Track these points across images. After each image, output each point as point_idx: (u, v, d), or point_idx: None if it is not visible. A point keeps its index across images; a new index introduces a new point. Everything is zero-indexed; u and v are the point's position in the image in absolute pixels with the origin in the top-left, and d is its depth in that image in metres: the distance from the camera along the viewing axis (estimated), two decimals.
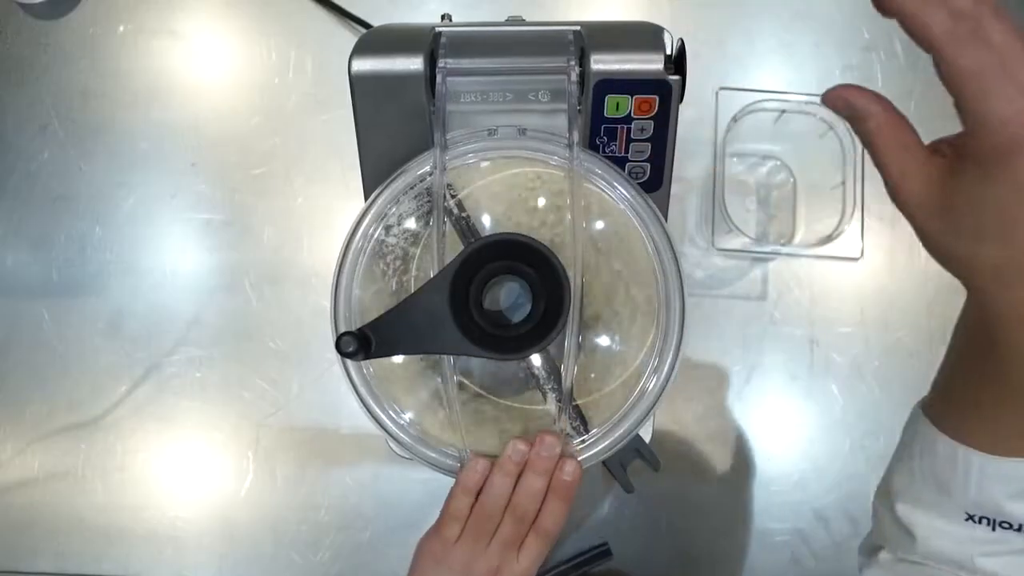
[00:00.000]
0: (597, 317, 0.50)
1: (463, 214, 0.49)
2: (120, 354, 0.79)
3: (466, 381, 0.50)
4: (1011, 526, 0.38)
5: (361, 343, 0.42)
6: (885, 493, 0.45)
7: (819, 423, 0.77)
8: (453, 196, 0.49)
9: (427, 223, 0.51)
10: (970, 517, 0.40)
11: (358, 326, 0.44)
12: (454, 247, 0.48)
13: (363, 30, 0.80)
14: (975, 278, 0.36)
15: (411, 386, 0.51)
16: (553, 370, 0.50)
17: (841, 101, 0.37)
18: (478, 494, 0.50)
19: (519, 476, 0.49)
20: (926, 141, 0.36)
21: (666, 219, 0.50)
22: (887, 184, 0.37)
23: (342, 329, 0.48)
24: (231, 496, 0.77)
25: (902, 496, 0.43)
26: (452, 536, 0.51)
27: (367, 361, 0.49)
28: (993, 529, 0.39)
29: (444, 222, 0.47)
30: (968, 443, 0.39)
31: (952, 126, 0.34)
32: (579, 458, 0.49)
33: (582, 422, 0.50)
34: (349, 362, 0.49)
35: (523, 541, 0.51)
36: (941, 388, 0.42)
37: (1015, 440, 0.38)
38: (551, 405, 0.50)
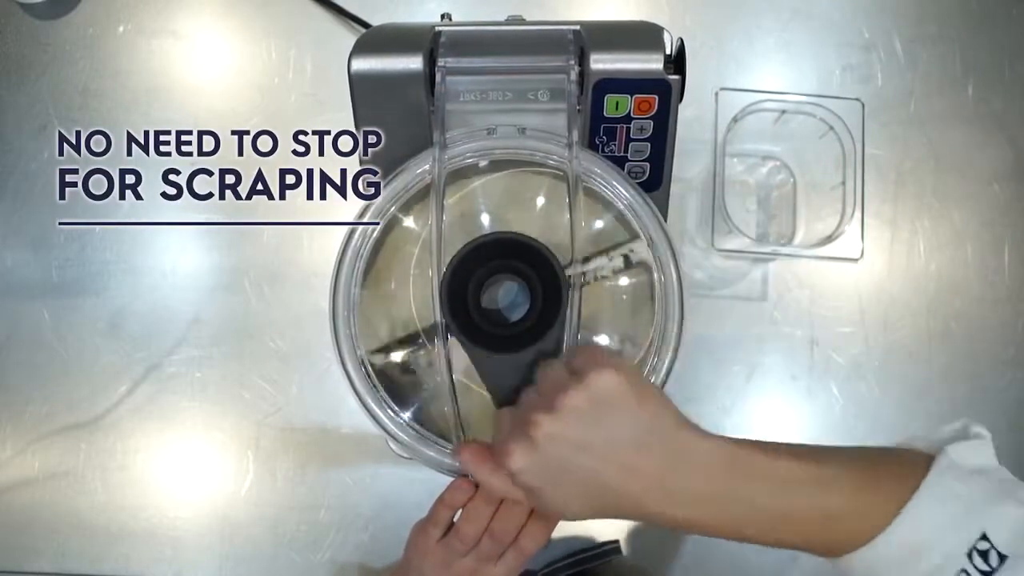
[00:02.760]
0: (596, 316, 0.50)
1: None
2: (120, 354, 0.79)
3: (465, 380, 0.50)
4: None
5: None
6: None
7: (819, 423, 0.77)
8: (465, 182, 0.49)
9: (426, 222, 0.51)
10: None
11: (357, 325, 0.44)
12: (453, 246, 0.48)
13: (363, 30, 0.80)
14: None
15: (411, 384, 0.51)
16: None
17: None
18: None
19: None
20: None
21: (666, 219, 0.50)
22: None
23: (341, 329, 0.48)
24: (231, 496, 0.77)
25: None
26: (435, 536, 0.51)
27: (366, 361, 0.49)
28: None
29: (443, 221, 0.47)
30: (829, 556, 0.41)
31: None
32: None
33: None
34: (348, 362, 0.49)
35: (502, 555, 0.51)
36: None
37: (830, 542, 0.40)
38: None
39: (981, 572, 0.37)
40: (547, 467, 0.40)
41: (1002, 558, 0.37)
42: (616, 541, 0.75)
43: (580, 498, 0.41)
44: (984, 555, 0.37)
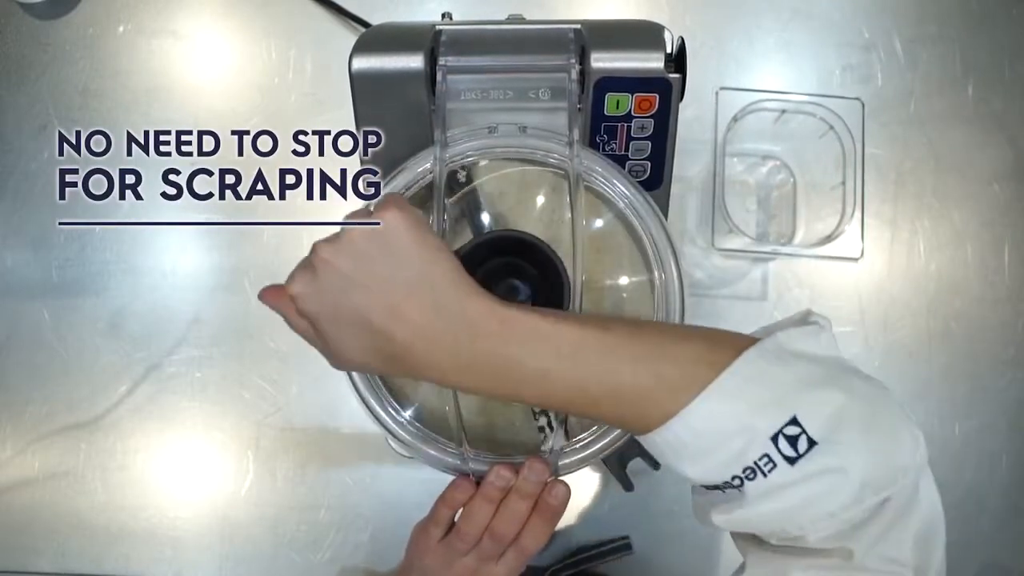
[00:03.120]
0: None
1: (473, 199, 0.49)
2: (120, 354, 0.78)
3: None
4: (719, 487, 0.38)
5: None
6: None
7: None
8: (465, 181, 0.49)
9: (427, 220, 0.51)
10: (695, 489, 0.41)
11: None
12: (454, 246, 0.48)
13: (363, 29, 0.80)
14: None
15: (411, 383, 0.51)
16: None
17: None
18: None
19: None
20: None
21: (666, 218, 0.50)
22: None
23: None
24: (231, 496, 0.77)
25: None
26: (436, 535, 0.51)
27: None
28: (723, 491, 0.39)
29: (444, 220, 0.47)
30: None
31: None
32: (577, 457, 0.49)
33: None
34: None
35: (503, 553, 0.51)
36: None
37: (629, 418, 0.39)
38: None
39: (786, 457, 0.35)
40: (323, 298, 0.40)
41: (812, 444, 0.35)
42: (627, 537, 0.75)
43: (357, 340, 0.40)
44: (792, 440, 0.35)
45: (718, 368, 0.37)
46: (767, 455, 0.36)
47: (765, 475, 0.36)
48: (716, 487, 0.39)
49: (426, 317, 0.39)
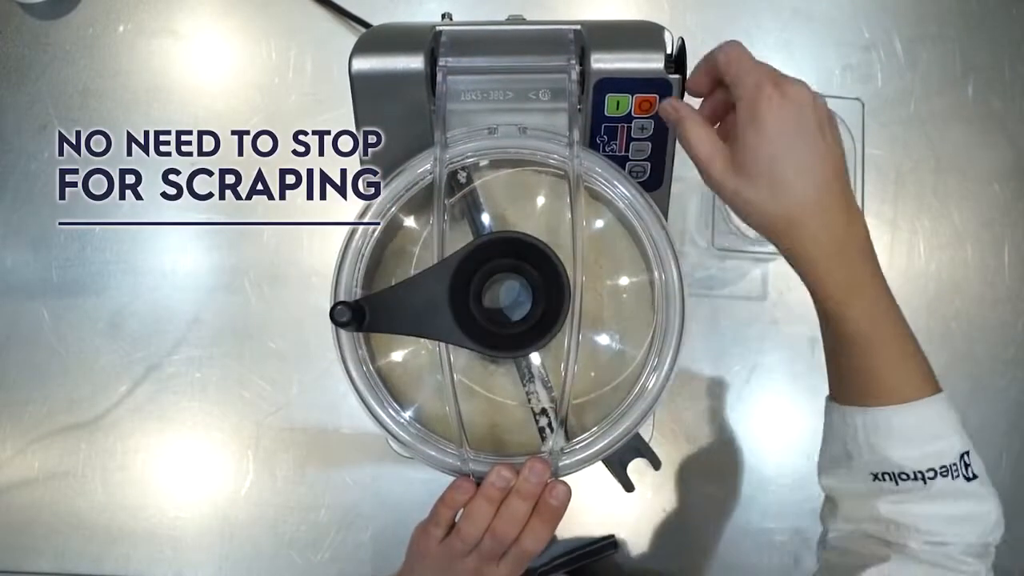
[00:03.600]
0: (597, 316, 0.50)
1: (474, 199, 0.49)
2: (120, 354, 0.79)
3: (465, 380, 0.50)
4: (909, 476, 0.45)
5: (355, 314, 0.42)
6: (818, 473, 0.52)
7: (819, 423, 0.77)
8: (465, 181, 0.49)
9: (427, 220, 0.51)
10: (875, 476, 0.46)
11: None
12: (454, 247, 0.48)
13: (363, 30, 0.80)
14: (770, 229, 0.46)
15: (412, 384, 0.51)
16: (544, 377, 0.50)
17: (668, 109, 0.48)
18: None
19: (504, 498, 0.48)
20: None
21: (666, 218, 0.50)
22: (699, 167, 0.47)
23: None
24: (231, 496, 0.77)
25: (824, 470, 0.51)
26: (437, 537, 0.51)
27: (367, 360, 0.49)
28: (896, 483, 0.45)
29: (445, 220, 0.47)
30: (846, 403, 0.48)
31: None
32: (577, 457, 0.49)
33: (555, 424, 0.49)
34: (349, 361, 0.49)
35: (504, 554, 0.51)
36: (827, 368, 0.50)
37: (872, 386, 0.46)
38: (542, 405, 0.50)
39: (965, 478, 0.44)
40: (787, 125, 0.44)
41: (976, 476, 0.45)
42: (612, 536, 0.75)
43: (803, 174, 0.44)
44: (967, 466, 0.45)
45: (934, 389, 0.46)
46: (956, 464, 0.44)
47: (953, 478, 0.44)
48: (900, 474, 0.45)
49: (832, 186, 0.45)
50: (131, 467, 0.78)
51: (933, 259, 0.78)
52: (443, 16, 0.63)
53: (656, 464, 0.63)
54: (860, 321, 0.45)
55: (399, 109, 0.50)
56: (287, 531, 0.77)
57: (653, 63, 0.49)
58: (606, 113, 0.51)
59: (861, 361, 0.46)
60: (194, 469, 0.77)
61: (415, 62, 0.49)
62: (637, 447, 0.61)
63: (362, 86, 0.50)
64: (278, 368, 0.78)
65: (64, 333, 0.79)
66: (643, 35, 0.50)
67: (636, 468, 0.62)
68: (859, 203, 0.68)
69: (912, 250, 0.78)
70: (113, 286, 0.80)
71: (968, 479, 0.44)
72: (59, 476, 0.77)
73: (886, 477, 0.46)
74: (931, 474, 0.44)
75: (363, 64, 0.49)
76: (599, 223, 0.51)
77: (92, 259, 0.80)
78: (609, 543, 0.75)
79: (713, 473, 0.77)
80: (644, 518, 0.76)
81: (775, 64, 0.43)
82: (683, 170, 0.52)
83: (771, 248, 0.74)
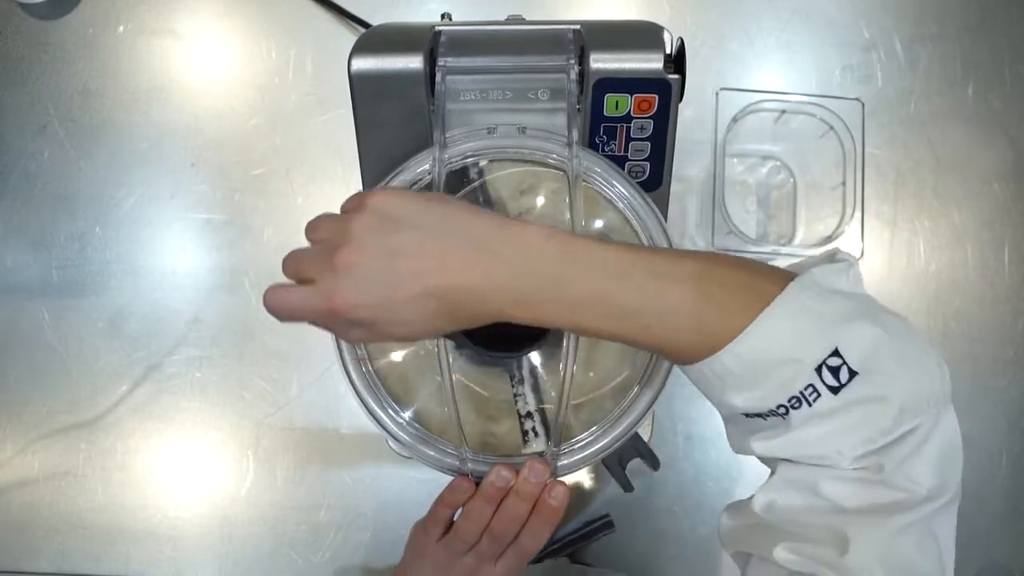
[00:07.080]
0: None
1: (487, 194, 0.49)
2: (120, 354, 0.79)
3: (464, 380, 0.50)
4: (762, 415, 0.39)
5: None
6: None
7: None
8: (478, 177, 0.49)
9: None
10: (746, 414, 0.40)
11: None
12: None
13: (363, 30, 0.80)
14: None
15: (410, 385, 0.51)
16: (537, 378, 0.50)
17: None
18: None
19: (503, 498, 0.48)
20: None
21: (666, 219, 0.50)
22: None
23: None
24: (231, 496, 0.77)
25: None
26: (435, 535, 0.51)
27: (367, 360, 0.49)
28: (765, 418, 0.39)
29: None
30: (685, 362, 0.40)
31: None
32: (576, 457, 0.49)
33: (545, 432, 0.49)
34: (349, 361, 0.49)
35: (502, 554, 0.51)
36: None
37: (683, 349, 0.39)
38: (533, 408, 0.49)
39: (829, 387, 0.37)
40: (368, 294, 0.38)
41: (852, 374, 0.37)
42: (608, 515, 0.75)
43: (419, 311, 0.39)
44: (835, 371, 0.37)
45: (764, 298, 0.37)
46: (812, 385, 0.37)
47: (810, 404, 0.37)
48: (758, 415, 0.39)
49: (472, 255, 0.38)
50: (131, 467, 0.78)
51: (933, 259, 0.78)
52: (442, 16, 0.63)
53: (655, 464, 0.63)
54: (618, 318, 0.39)
55: (398, 109, 0.50)
56: (287, 531, 0.77)
57: (652, 63, 0.49)
58: (605, 113, 0.51)
59: (650, 333, 0.39)
60: (194, 469, 0.78)
61: (414, 62, 0.49)
62: (636, 447, 0.61)
63: (361, 86, 0.50)
64: (278, 368, 0.78)
65: (64, 333, 0.79)
66: (642, 35, 0.50)
67: (633, 468, 0.62)
68: (859, 203, 0.68)
69: (912, 250, 0.78)
70: (113, 286, 0.80)
71: (836, 389, 0.37)
72: (59, 476, 0.77)
73: (742, 418, 0.41)
74: (782, 410, 0.38)
75: (362, 64, 0.49)
76: (598, 223, 0.51)
77: (92, 259, 0.80)
78: (606, 523, 0.75)
79: (712, 473, 0.77)
80: (650, 518, 0.76)
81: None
82: (683, 170, 0.52)
83: (770, 249, 0.74)
